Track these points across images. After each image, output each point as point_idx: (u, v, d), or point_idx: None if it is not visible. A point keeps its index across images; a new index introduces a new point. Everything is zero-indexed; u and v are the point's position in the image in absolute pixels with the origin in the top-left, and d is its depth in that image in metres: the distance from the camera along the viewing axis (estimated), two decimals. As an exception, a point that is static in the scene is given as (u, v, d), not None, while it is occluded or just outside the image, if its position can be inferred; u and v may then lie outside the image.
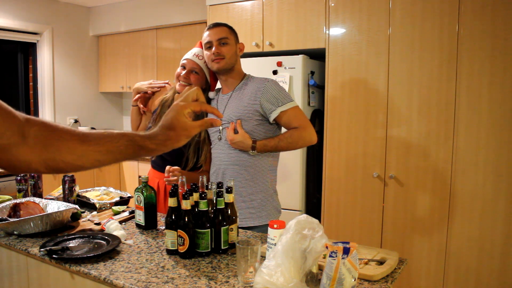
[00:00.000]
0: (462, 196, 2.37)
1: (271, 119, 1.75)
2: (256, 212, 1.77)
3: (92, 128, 4.62)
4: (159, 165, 1.98)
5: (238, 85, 1.84)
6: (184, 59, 1.92)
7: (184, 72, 1.88)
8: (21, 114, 0.75)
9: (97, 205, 1.92)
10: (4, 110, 0.71)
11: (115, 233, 1.54)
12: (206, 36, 1.81)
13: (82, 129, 3.31)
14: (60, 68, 4.45)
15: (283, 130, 1.81)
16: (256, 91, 1.76)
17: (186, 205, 1.35)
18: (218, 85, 1.98)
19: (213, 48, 1.77)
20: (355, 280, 1.05)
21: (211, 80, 1.96)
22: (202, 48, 1.90)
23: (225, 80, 1.87)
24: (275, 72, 2.85)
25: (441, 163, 2.41)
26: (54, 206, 1.76)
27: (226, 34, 1.80)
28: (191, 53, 1.92)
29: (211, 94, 1.95)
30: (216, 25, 1.83)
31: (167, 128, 0.83)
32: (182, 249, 1.36)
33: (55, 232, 1.61)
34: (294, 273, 1.04)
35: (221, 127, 1.83)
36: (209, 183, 1.51)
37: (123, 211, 1.90)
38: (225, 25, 1.84)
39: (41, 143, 0.74)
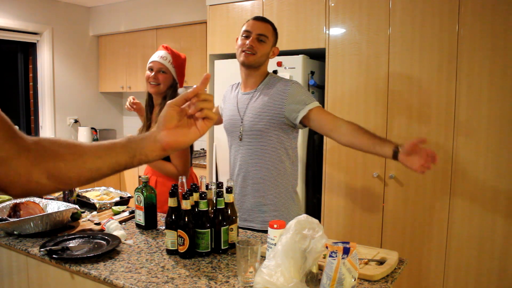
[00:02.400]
0: (462, 196, 2.37)
1: (298, 119, 1.69)
2: (279, 215, 1.74)
3: (92, 129, 4.63)
4: None
5: (260, 83, 1.79)
6: (150, 62, 2.06)
7: (152, 73, 2.03)
8: (24, 134, 0.74)
9: (97, 205, 1.92)
10: (4, 123, 0.70)
11: (115, 233, 1.54)
12: (248, 25, 1.76)
13: (82, 129, 3.35)
14: (60, 68, 4.45)
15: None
16: (281, 93, 1.71)
17: (186, 205, 1.35)
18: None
19: (249, 40, 1.72)
20: (355, 280, 1.05)
21: (178, 77, 2.09)
22: (166, 51, 2.06)
23: (247, 76, 1.81)
24: (275, 72, 2.85)
25: (441, 163, 2.41)
26: (54, 206, 1.76)
27: (268, 32, 1.75)
28: (157, 55, 2.07)
29: (180, 90, 2.08)
30: (263, 20, 1.78)
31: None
32: (182, 249, 1.36)
33: (55, 232, 1.61)
34: (294, 273, 1.04)
35: (242, 127, 1.78)
36: (209, 183, 1.51)
37: (123, 211, 1.90)
38: (272, 24, 1.79)
39: (42, 150, 0.74)
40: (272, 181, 1.74)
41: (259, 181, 1.74)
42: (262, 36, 1.73)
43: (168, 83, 2.06)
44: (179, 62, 2.10)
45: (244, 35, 1.75)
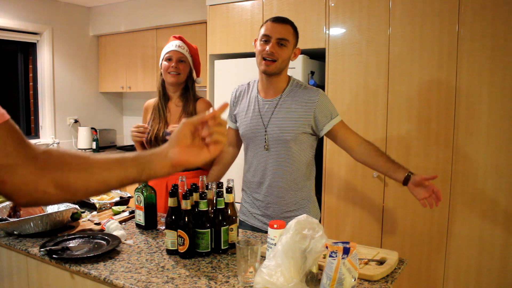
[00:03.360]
0: (462, 196, 2.37)
1: (323, 132, 1.71)
2: None
3: (92, 129, 4.63)
4: None
5: (284, 90, 1.72)
6: (168, 53, 2.03)
7: (173, 63, 2.00)
8: (32, 144, 0.74)
9: (97, 205, 1.92)
10: (14, 130, 0.70)
11: (115, 233, 1.54)
12: (267, 28, 1.65)
13: (82, 129, 3.28)
14: (60, 68, 4.45)
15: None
16: (309, 101, 1.68)
17: (186, 205, 1.35)
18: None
19: (270, 45, 1.62)
20: (355, 280, 1.05)
21: (195, 66, 2.09)
22: (181, 41, 2.04)
23: (269, 83, 1.73)
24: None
25: (441, 163, 2.41)
26: (54, 206, 1.76)
27: (288, 35, 1.65)
28: (173, 45, 2.04)
29: (198, 80, 2.08)
30: (283, 21, 1.67)
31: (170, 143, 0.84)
32: (182, 249, 1.36)
33: (55, 232, 1.61)
34: (294, 273, 1.04)
35: (266, 136, 1.72)
36: (209, 183, 1.51)
37: (123, 211, 1.90)
38: (292, 24, 1.69)
39: (51, 160, 0.73)
40: (297, 188, 1.74)
41: (284, 188, 1.73)
42: (282, 40, 1.63)
43: (187, 72, 2.05)
44: (194, 51, 2.10)
45: (263, 39, 1.65)
